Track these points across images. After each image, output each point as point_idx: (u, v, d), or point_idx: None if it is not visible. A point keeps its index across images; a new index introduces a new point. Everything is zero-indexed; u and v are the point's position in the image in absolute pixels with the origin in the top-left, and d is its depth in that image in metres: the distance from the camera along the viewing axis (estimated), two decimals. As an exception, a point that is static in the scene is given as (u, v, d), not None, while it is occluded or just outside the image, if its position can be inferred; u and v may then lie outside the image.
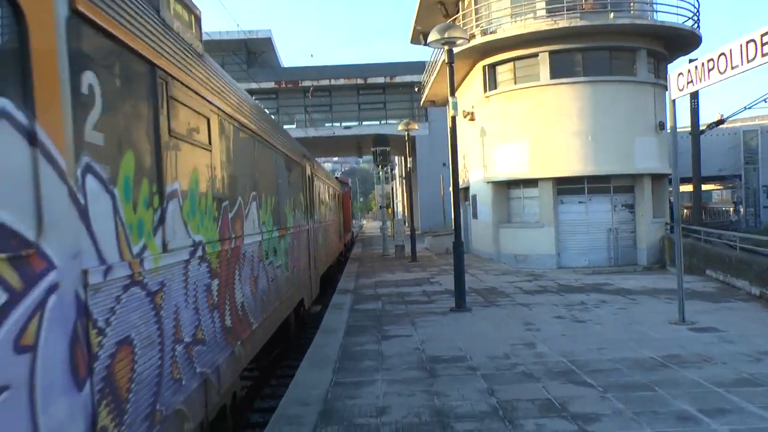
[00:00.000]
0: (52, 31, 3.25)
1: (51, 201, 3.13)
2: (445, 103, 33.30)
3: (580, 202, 23.20)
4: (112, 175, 3.92)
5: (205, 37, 5.94)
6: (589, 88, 22.28)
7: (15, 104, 2.90)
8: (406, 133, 25.21)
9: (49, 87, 3.19)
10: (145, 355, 4.32)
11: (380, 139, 28.00)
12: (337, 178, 33.67)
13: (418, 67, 43.22)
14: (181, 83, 5.34)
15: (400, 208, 62.31)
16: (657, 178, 23.72)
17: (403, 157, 62.50)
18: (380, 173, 29.14)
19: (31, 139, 3.00)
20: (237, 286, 7.19)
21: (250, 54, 46.25)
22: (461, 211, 31.21)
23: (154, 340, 4.53)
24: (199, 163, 5.84)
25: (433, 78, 28.43)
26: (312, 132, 44.33)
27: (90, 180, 3.61)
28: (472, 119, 26.09)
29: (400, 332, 11.30)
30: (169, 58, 5.03)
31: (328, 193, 22.65)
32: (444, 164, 44.03)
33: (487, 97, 24.62)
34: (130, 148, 4.25)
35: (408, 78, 46.21)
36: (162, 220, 4.78)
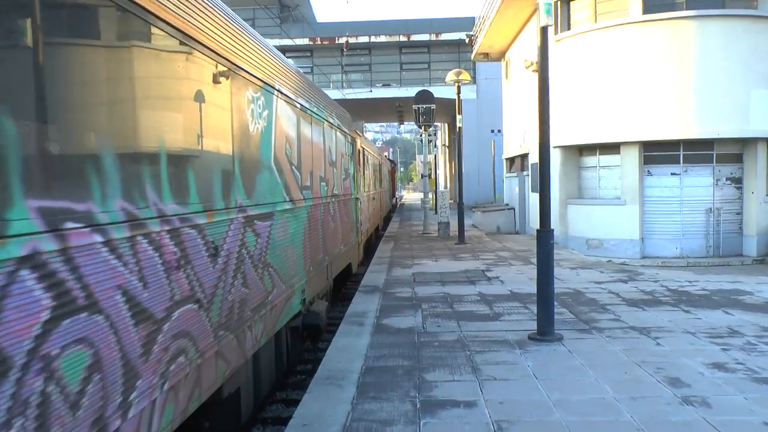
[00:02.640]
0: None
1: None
2: (501, 57, 27.76)
3: (673, 174, 17.74)
4: (360, 172, 17.00)
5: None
6: (694, 25, 16.67)
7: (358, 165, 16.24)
8: (456, 84, 19.94)
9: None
10: (368, 208, 19.15)
11: (423, 96, 22.76)
12: (389, 159, 44.20)
13: (466, 23, 37.66)
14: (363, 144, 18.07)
15: (441, 180, 56.92)
16: (772, 146, 18.10)
17: (446, 124, 57.00)
18: (422, 136, 23.90)
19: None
20: (372, 204, 20.47)
21: (283, 8, 41.01)
22: (517, 183, 25.90)
23: (365, 209, 17.68)
24: (372, 170, 22.18)
25: (491, 19, 22.86)
26: (350, 94, 39.13)
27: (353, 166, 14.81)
28: (536, 70, 20.63)
29: (454, 392, 6.25)
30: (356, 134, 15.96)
31: (386, 170, 35.81)
32: (493, 131, 38.61)
33: (558, 40, 19.16)
34: (361, 169, 16.87)
35: (455, 35, 40.60)
36: (366, 185, 18.64)
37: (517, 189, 24.79)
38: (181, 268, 4.25)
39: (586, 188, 19.23)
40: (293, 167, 7.69)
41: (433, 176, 39.80)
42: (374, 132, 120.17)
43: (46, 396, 2.79)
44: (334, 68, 41.35)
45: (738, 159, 17.63)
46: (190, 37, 4.43)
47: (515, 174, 25.58)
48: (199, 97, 4.64)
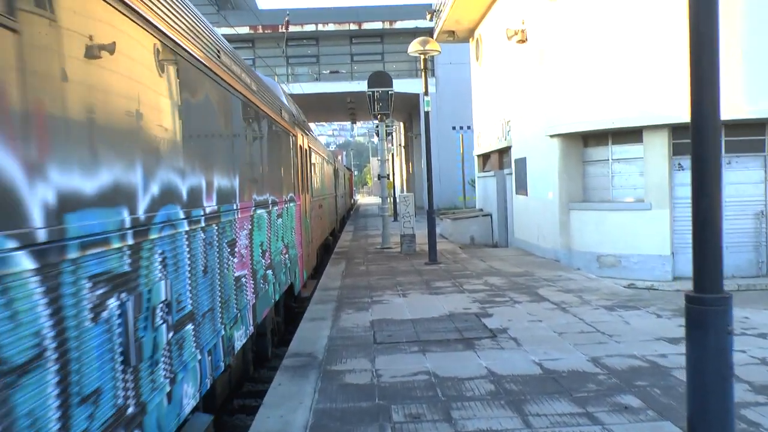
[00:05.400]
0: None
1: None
2: (469, 35, 22.74)
3: (711, 168, 12.95)
4: (340, 182, 34.19)
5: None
6: (746, -34, 11.90)
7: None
8: (422, 57, 14.88)
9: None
10: (341, 200, 34.33)
11: (379, 79, 17.69)
12: (346, 167, 49.78)
13: (422, 10, 32.70)
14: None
15: (398, 183, 51.63)
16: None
17: (401, 123, 51.96)
18: (379, 128, 18.73)
19: None
20: (342, 200, 33.60)
21: (220, -8, 35.39)
22: (495, 184, 20.89)
23: (340, 200, 32.49)
24: (342, 179, 34.99)
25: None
26: (295, 87, 33.73)
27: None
28: (522, 41, 15.68)
29: None
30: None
31: (347, 176, 44.10)
32: (455, 128, 33.77)
33: (554, -3, 14.23)
34: (340, 180, 34.83)
35: (410, 23, 35.67)
36: (340, 188, 32.51)
37: (494, 191, 19.79)
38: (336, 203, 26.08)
39: (594, 188, 14.29)
40: (326, 182, 19.37)
41: (391, 177, 34.80)
42: (327, 136, 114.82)
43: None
44: (278, 60, 35.86)
45: (794, 146, 12.90)
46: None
47: (491, 173, 20.58)
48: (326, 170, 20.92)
